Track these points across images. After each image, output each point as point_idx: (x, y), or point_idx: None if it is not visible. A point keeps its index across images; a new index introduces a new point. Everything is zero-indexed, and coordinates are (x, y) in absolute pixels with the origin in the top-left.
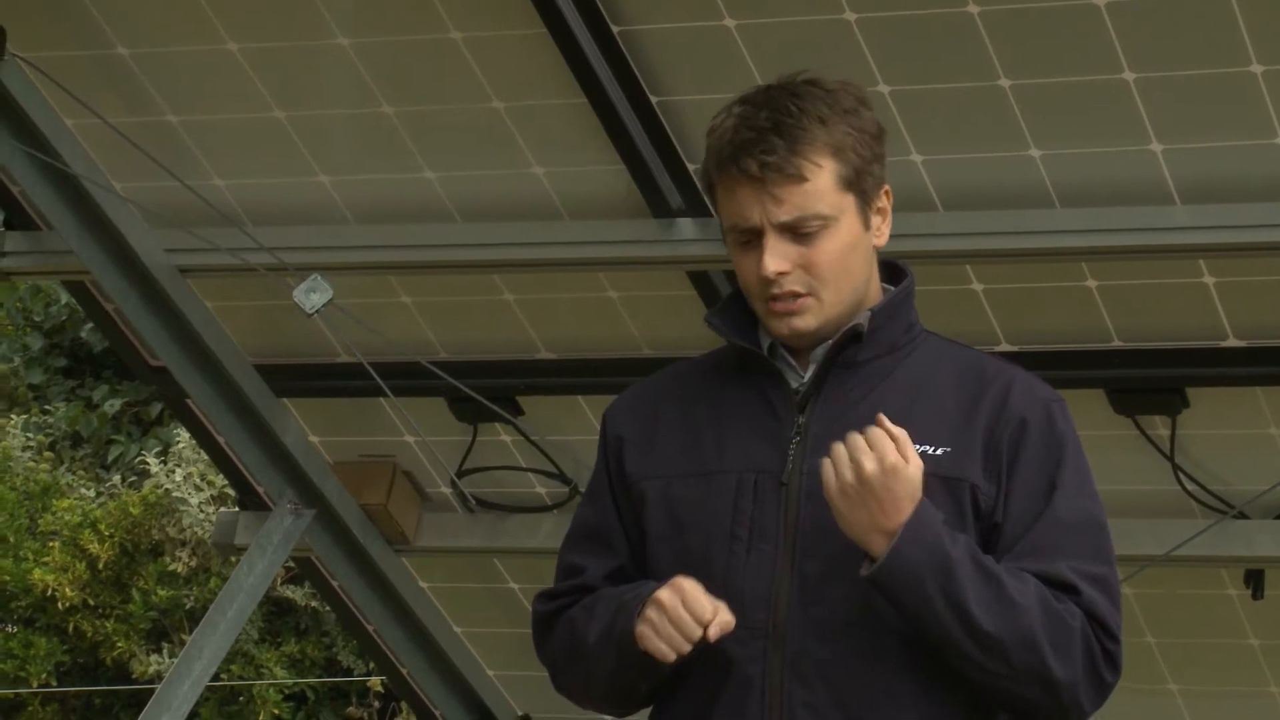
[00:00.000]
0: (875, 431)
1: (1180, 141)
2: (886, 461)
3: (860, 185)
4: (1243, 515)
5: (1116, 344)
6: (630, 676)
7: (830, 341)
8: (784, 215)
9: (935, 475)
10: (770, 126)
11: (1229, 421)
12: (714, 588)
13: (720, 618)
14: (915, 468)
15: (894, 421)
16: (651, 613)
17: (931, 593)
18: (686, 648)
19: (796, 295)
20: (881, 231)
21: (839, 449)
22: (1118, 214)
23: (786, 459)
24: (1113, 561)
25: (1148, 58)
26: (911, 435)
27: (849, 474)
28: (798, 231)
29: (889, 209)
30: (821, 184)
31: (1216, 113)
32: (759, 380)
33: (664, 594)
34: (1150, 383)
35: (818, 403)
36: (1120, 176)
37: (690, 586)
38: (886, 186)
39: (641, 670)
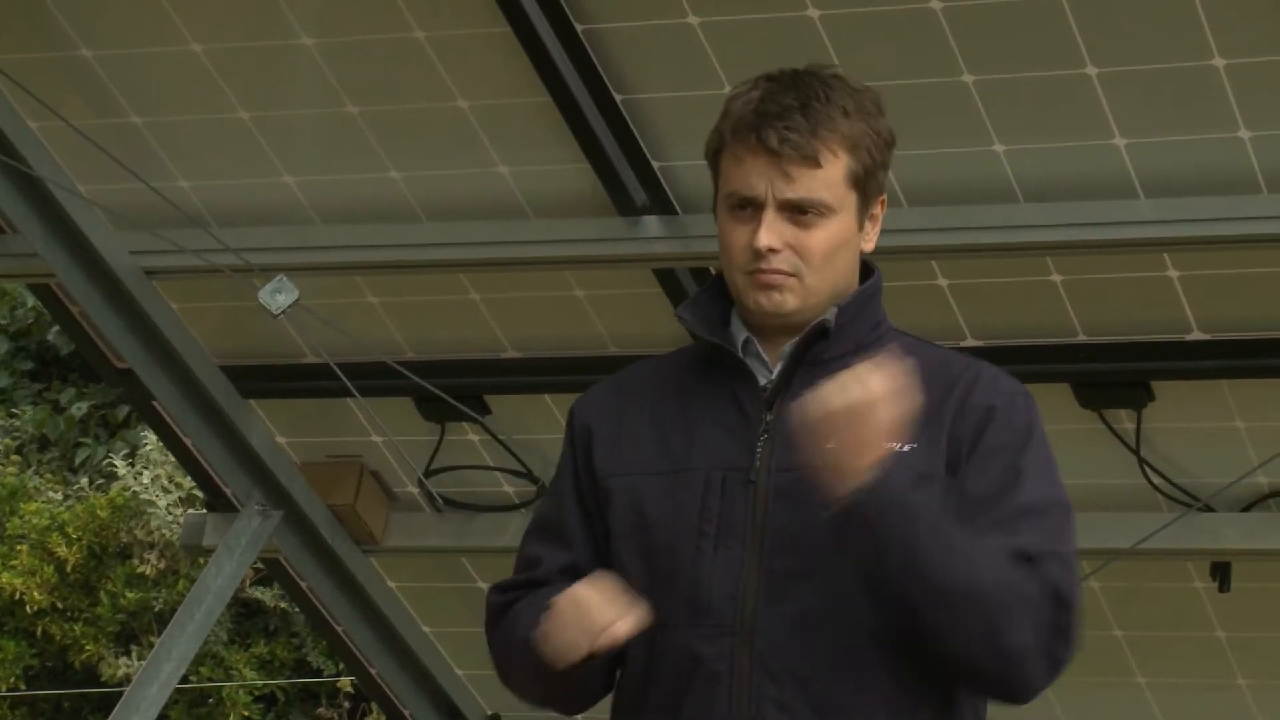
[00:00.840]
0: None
1: (1143, 135)
2: (873, 386)
3: (865, 186)
4: (1208, 508)
5: (1082, 338)
6: (549, 681)
7: (797, 338)
8: (791, 193)
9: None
10: (797, 105)
11: (1194, 414)
12: (680, 585)
13: (618, 627)
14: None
15: None
16: (548, 618)
17: (887, 536)
18: (574, 655)
19: (781, 274)
20: (870, 238)
21: (830, 383)
22: (1082, 208)
23: (755, 456)
24: (1073, 546)
25: (1110, 52)
26: None
27: (847, 395)
28: (798, 213)
29: (880, 218)
30: (832, 174)
31: (1180, 107)
32: (727, 377)
33: (561, 600)
34: (1116, 376)
35: (785, 400)
36: (1084, 171)
37: (588, 596)
38: (884, 197)
39: (556, 676)
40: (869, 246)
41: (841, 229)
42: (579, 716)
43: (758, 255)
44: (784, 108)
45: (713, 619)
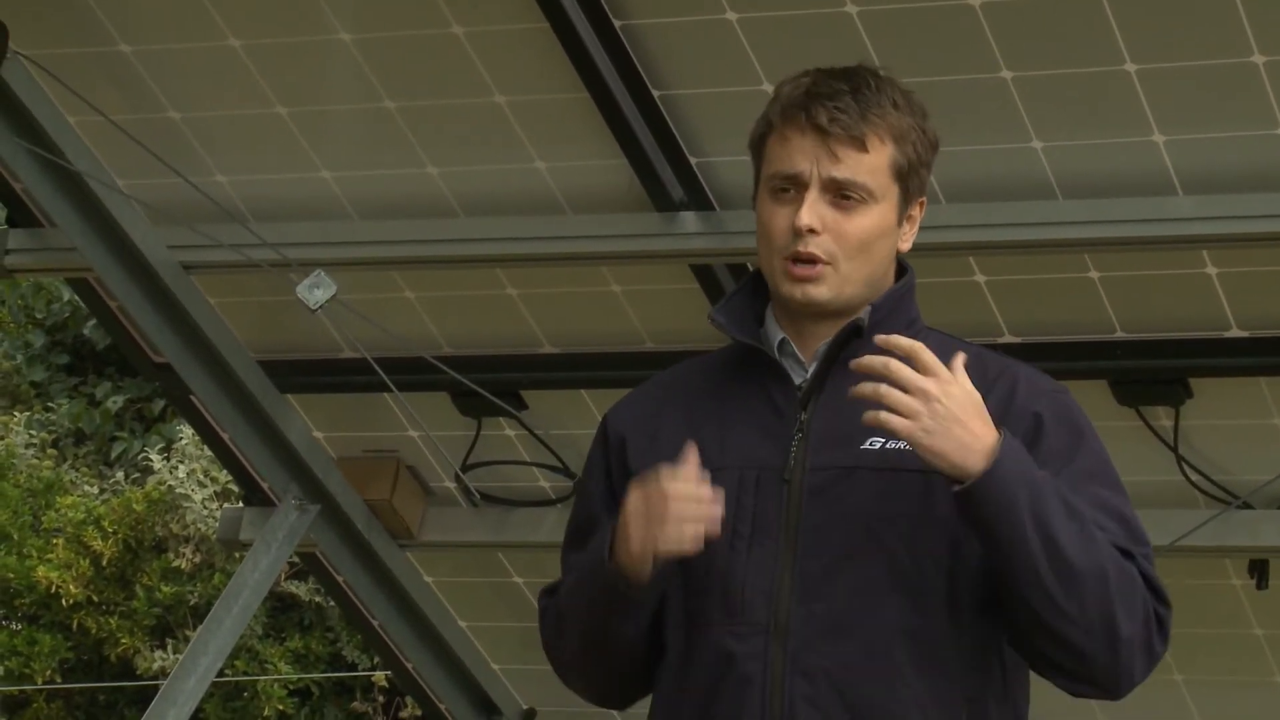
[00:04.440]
0: (898, 367)
1: (1182, 132)
2: (942, 373)
3: (907, 181)
4: (1247, 505)
5: (1120, 335)
6: (601, 615)
7: (832, 338)
8: (837, 173)
9: (938, 472)
10: (848, 90)
11: (1233, 412)
12: (714, 583)
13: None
14: (962, 380)
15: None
16: (630, 513)
17: (1023, 513)
18: (646, 549)
19: (817, 260)
20: (907, 238)
21: (889, 393)
22: (1120, 205)
23: (789, 455)
24: (1146, 538)
25: (1149, 49)
26: None
27: (917, 403)
28: (840, 196)
29: (918, 221)
30: (877, 161)
31: (1218, 103)
32: (762, 377)
33: (632, 498)
34: (1154, 373)
35: (820, 400)
36: (1122, 168)
37: (663, 487)
38: (924, 199)
39: (612, 603)
40: (905, 246)
41: (881, 219)
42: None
43: (797, 235)
44: (835, 90)
45: (746, 618)
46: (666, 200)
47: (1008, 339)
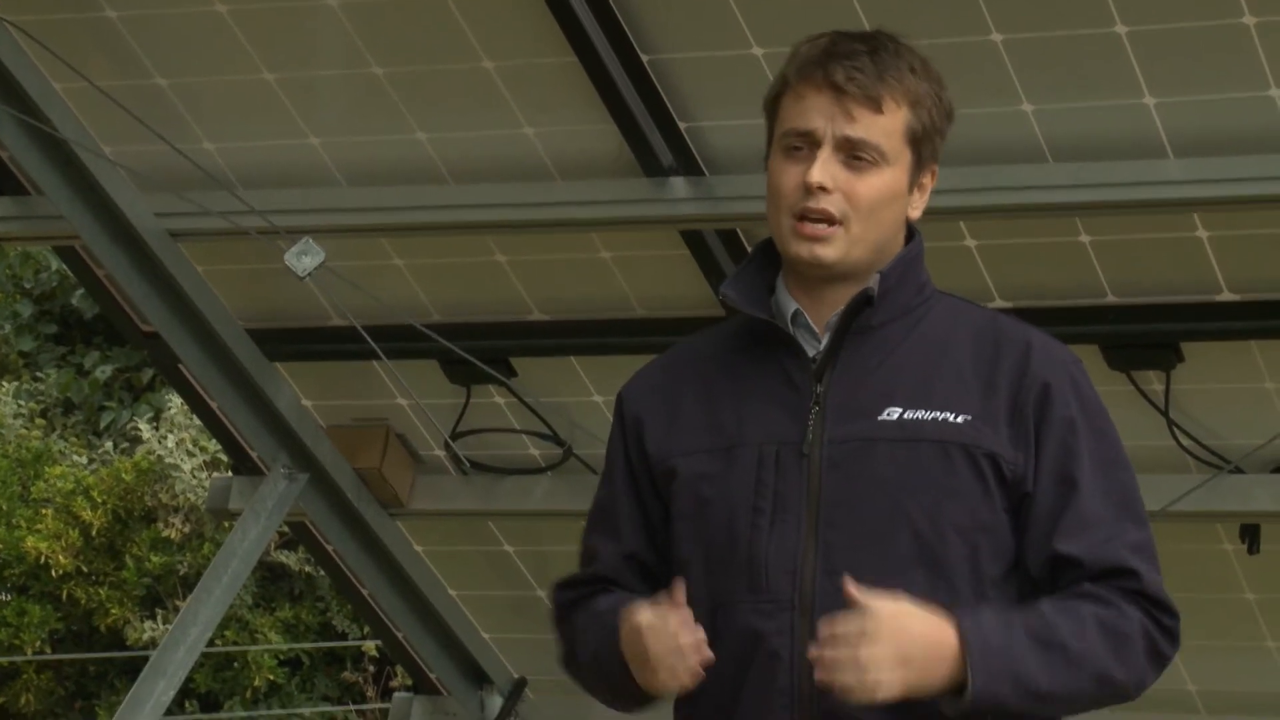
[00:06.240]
0: (824, 632)
1: (1173, 95)
2: (864, 627)
3: (920, 147)
4: (1238, 470)
5: (1110, 299)
6: (631, 691)
7: (843, 308)
8: (851, 131)
9: (956, 443)
10: (866, 51)
11: (1224, 376)
12: (738, 562)
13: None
14: (886, 610)
15: (913, 390)
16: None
17: (1012, 700)
18: (674, 683)
19: (827, 219)
20: (917, 205)
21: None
22: (1111, 168)
23: (806, 429)
24: (1148, 519)
25: (1140, 11)
26: (931, 403)
27: (859, 673)
28: (852, 156)
29: (928, 190)
30: (891, 124)
31: (1209, 65)
32: (775, 351)
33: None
34: (1145, 338)
35: (834, 370)
36: (1113, 130)
37: (655, 623)
38: (935, 168)
39: (636, 693)
40: (915, 214)
41: (892, 182)
42: None
43: (808, 193)
44: (853, 51)
45: (771, 594)
46: (656, 166)
47: (998, 303)
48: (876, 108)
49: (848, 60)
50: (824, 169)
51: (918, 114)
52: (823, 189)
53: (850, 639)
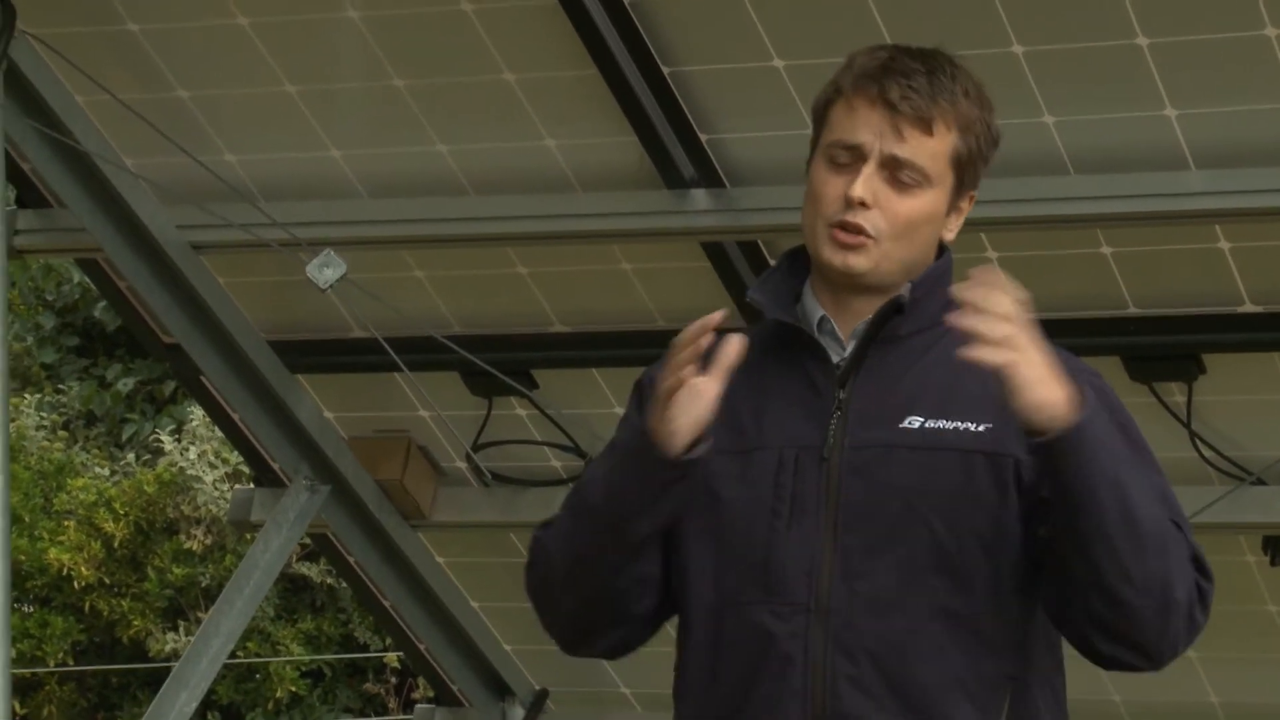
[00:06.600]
0: (997, 299)
1: (1194, 106)
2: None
3: (964, 172)
4: (1260, 481)
5: (1132, 310)
6: (617, 507)
7: (872, 315)
8: (899, 151)
9: (978, 451)
10: (923, 71)
11: (1246, 387)
12: (753, 563)
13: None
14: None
15: (935, 400)
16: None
17: (1105, 468)
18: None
19: (863, 232)
20: (952, 227)
21: (990, 323)
22: (1132, 180)
23: (827, 434)
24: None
25: (1161, 23)
26: (952, 414)
27: (1012, 331)
28: (896, 175)
29: (965, 214)
30: (939, 147)
31: (1231, 77)
32: (800, 355)
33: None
34: (1166, 349)
35: (858, 377)
36: (1134, 142)
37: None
38: (975, 194)
39: (643, 482)
40: (949, 236)
41: (932, 204)
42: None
43: (848, 205)
44: (911, 69)
45: (786, 596)
46: (677, 178)
47: None
48: (927, 129)
49: (904, 78)
50: (867, 184)
51: (966, 139)
52: (863, 204)
53: (1003, 318)
